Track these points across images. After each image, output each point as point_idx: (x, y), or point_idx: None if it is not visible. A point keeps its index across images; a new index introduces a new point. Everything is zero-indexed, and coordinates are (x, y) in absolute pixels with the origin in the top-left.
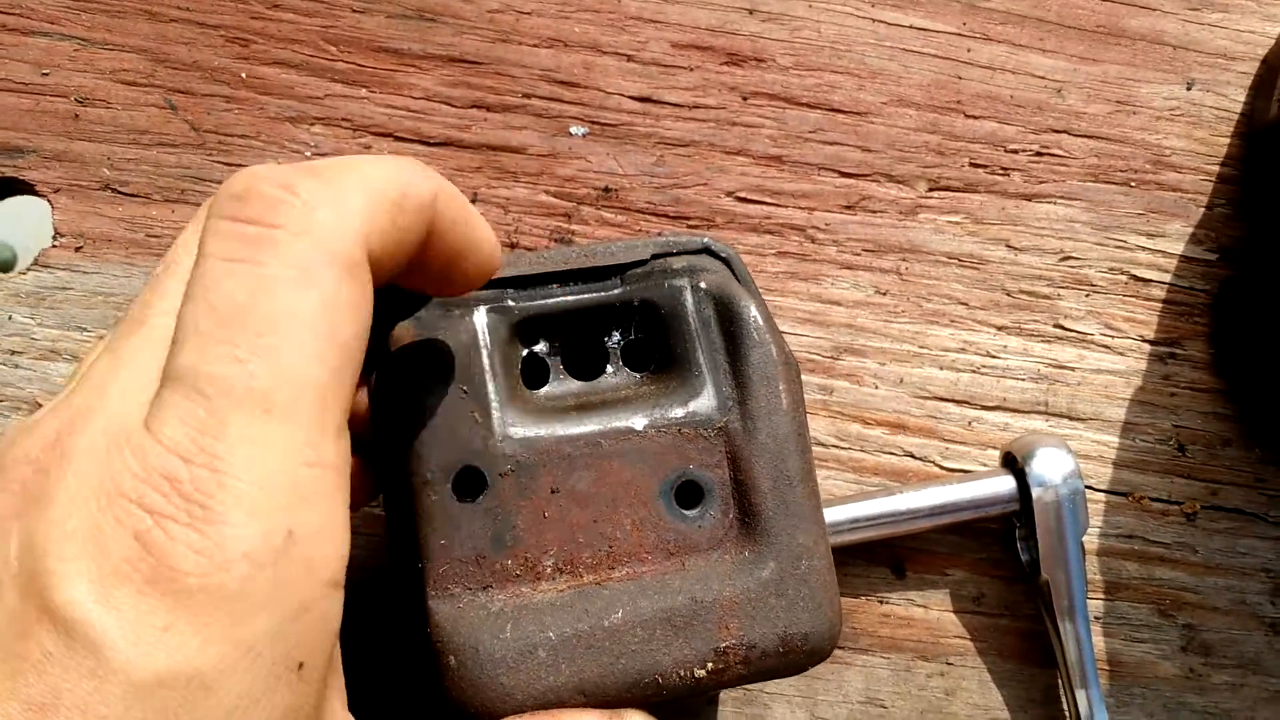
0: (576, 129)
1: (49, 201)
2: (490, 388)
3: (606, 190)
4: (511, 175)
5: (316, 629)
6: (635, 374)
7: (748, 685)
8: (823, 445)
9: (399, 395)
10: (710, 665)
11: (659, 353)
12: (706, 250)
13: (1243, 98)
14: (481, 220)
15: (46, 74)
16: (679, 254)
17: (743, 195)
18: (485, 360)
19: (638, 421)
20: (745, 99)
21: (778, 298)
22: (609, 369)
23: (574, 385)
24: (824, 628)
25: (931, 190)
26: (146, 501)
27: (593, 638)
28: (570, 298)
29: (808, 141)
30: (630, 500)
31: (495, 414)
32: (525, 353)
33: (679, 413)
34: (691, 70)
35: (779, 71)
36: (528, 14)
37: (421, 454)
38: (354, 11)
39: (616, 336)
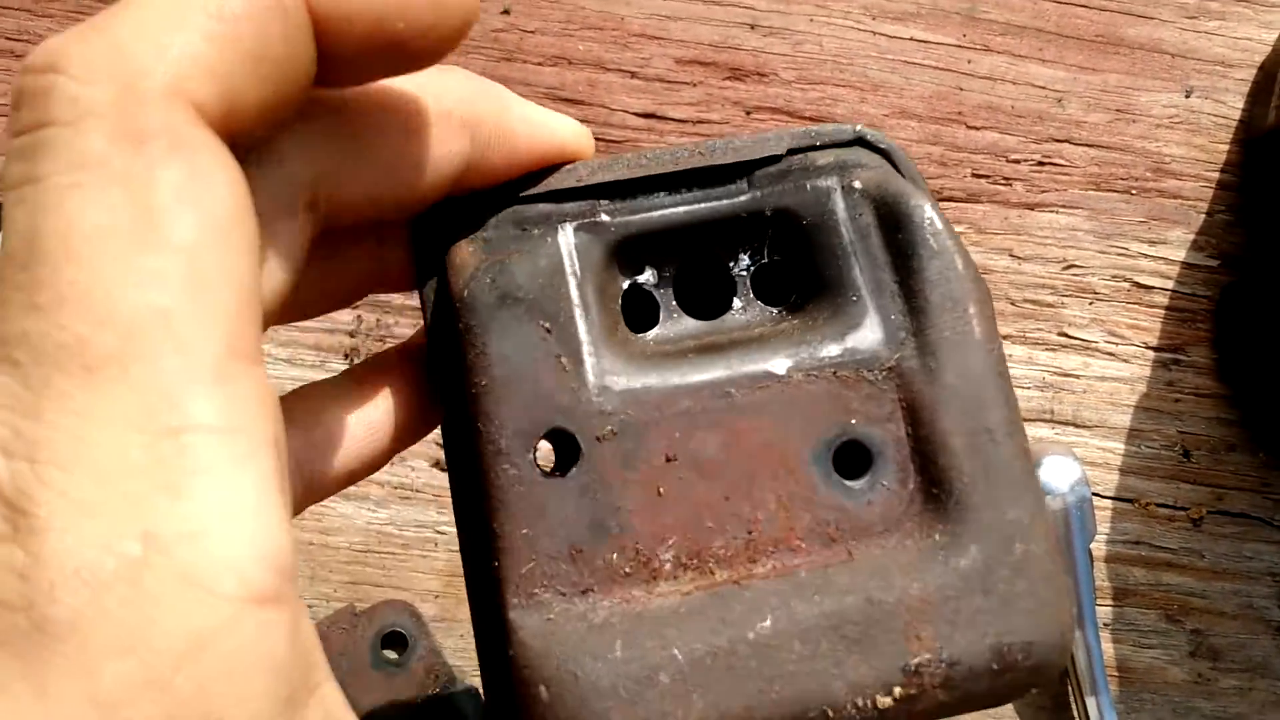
0: None
1: None
2: (581, 326)
3: None
4: None
5: (233, 666)
6: (771, 308)
7: None
8: None
9: (461, 338)
10: (899, 690)
11: (802, 278)
12: (860, 141)
13: (1241, 105)
14: None
15: None
16: (823, 147)
17: None
18: (574, 292)
19: (779, 364)
20: (749, 113)
21: None
22: (736, 302)
23: (691, 325)
24: (1053, 634)
25: (935, 201)
26: None
27: (734, 656)
28: (683, 209)
29: None
30: (774, 469)
31: (588, 360)
32: (627, 284)
33: (834, 351)
34: (695, 86)
35: (782, 85)
36: (532, 33)
37: (493, 415)
38: None
39: (745, 260)
